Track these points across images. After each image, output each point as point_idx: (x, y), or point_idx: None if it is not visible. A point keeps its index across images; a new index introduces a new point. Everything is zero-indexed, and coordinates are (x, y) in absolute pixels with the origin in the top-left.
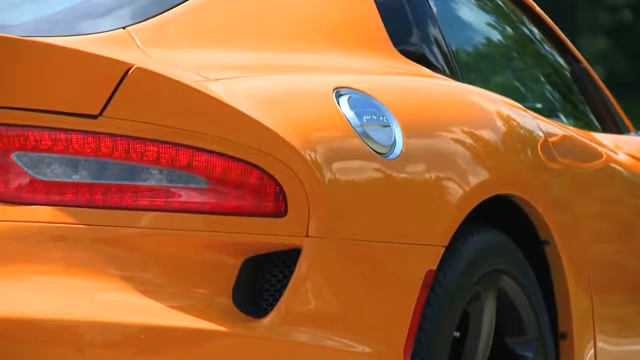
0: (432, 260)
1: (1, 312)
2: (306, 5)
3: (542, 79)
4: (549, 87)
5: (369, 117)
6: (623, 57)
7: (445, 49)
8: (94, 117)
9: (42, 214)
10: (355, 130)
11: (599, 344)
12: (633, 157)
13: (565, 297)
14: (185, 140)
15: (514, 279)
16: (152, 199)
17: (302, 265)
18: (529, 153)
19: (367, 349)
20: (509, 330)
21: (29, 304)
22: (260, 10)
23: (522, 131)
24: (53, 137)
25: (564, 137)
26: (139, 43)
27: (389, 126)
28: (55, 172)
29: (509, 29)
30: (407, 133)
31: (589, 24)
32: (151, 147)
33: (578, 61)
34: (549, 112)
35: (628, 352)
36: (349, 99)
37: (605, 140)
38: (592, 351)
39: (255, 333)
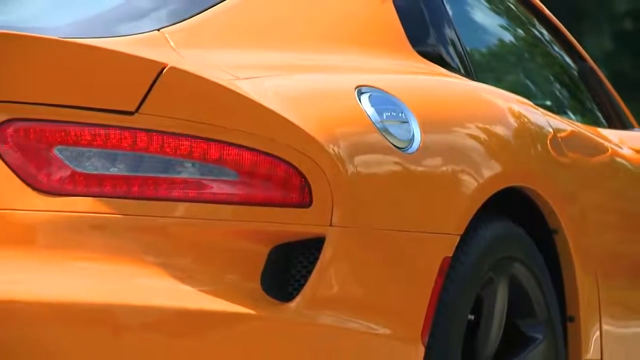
0: (448, 248)
1: (46, 296)
2: (330, 9)
3: (551, 77)
4: (557, 86)
5: (389, 114)
6: (627, 57)
7: (460, 49)
8: (131, 113)
9: (82, 205)
10: (375, 126)
11: (605, 327)
12: (637, 151)
13: (572, 283)
14: (216, 136)
15: (525, 266)
16: (185, 191)
17: (326, 253)
18: (539, 147)
19: (388, 331)
20: (520, 313)
21: (70, 288)
22: (287, 14)
23: (532, 127)
24: (92, 133)
25: (572, 132)
26: (172, 44)
27: (408, 122)
28: (94, 165)
29: (519, 30)
30: (425, 129)
31: (595, 27)
32: (184, 142)
33: (585, 61)
34: (557, 109)
35: (632, 334)
36: (369, 96)
37: (611, 136)
38: (597, 333)
39: (282, 316)
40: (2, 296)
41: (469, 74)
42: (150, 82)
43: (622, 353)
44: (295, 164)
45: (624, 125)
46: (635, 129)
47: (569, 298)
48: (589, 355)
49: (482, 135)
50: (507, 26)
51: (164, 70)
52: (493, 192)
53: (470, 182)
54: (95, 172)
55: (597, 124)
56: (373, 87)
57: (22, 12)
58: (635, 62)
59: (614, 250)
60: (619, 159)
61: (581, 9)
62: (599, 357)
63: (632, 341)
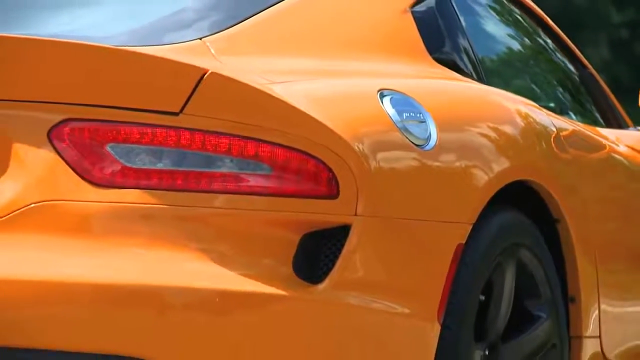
0: (461, 235)
1: (99, 279)
2: (354, 19)
3: (554, 82)
4: (560, 89)
5: (408, 115)
6: (623, 65)
7: (472, 56)
8: (175, 114)
9: (131, 196)
10: (396, 125)
11: (603, 306)
12: (632, 148)
13: (574, 267)
14: (252, 134)
15: (531, 252)
16: (225, 184)
17: (352, 240)
18: (544, 145)
19: (407, 310)
20: (526, 294)
21: (121, 272)
22: (316, 24)
23: (537, 126)
24: (141, 131)
25: (573, 131)
26: (213, 52)
27: (425, 122)
28: (142, 160)
29: (526, 39)
30: (440, 128)
31: (594, 37)
32: (223, 140)
33: (585, 67)
34: (560, 110)
35: (627, 313)
36: (391, 99)
37: (608, 134)
38: (596, 312)
39: (312, 297)
40: (60, 278)
41: (480, 79)
42: (193, 85)
43: (619, 330)
44: (324, 159)
45: (620, 125)
46: (631, 128)
47: (570, 280)
48: (589, 333)
49: (492, 134)
50: (515, 35)
51: (206, 75)
52: (502, 185)
53: (481, 176)
54: (143, 167)
55: (596, 123)
56: (394, 90)
57: (82, 22)
58: (630, 70)
59: (611, 237)
60: (615, 155)
61: (580, 21)
62: (598, 334)
63: (627, 319)
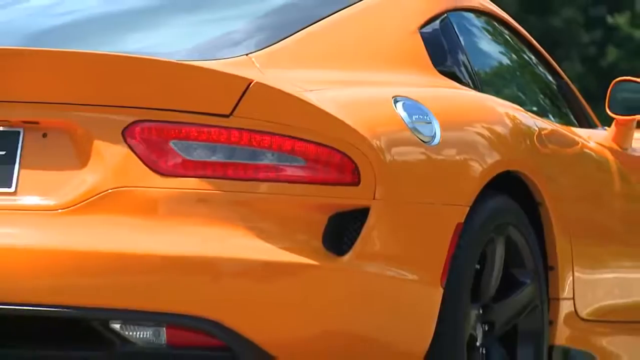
0: (460, 216)
1: (164, 251)
2: (373, 39)
3: (537, 90)
4: (541, 96)
5: (417, 117)
6: (592, 77)
7: (469, 69)
8: (226, 116)
9: (190, 184)
10: (407, 125)
11: (576, 274)
12: (599, 144)
13: (552, 242)
14: (289, 133)
15: (517, 229)
16: (267, 173)
17: (371, 220)
18: (528, 141)
19: (415, 277)
20: (513, 264)
21: (182, 246)
22: (342, 43)
23: (523, 126)
24: (198, 130)
25: (552, 130)
26: (257, 65)
27: (431, 123)
28: (199, 154)
29: (513, 55)
30: (444, 128)
31: (567, 54)
32: (266, 137)
33: (561, 78)
34: (541, 113)
35: (596, 279)
36: (403, 104)
37: (580, 133)
38: (571, 278)
39: (338, 266)
40: (133, 251)
41: (476, 87)
42: (241, 93)
43: (589, 293)
44: (348, 153)
45: (590, 125)
46: (599, 128)
47: (549, 253)
48: (564, 295)
49: (486, 133)
50: (504, 52)
51: (251, 85)
52: (494, 175)
53: (477, 167)
54: (200, 160)
55: (571, 124)
56: (405, 96)
57: (151, 41)
58: (598, 80)
59: (583, 217)
60: (586, 150)
61: (557, 41)
62: (572, 297)
63: (596, 284)
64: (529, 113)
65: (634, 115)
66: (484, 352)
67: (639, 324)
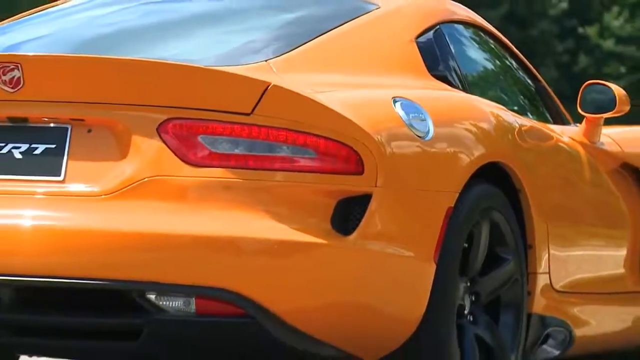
0: (451, 201)
1: (194, 231)
2: (375, 47)
3: (517, 91)
4: (521, 96)
5: (413, 115)
6: (565, 82)
7: (459, 73)
8: (247, 114)
9: (216, 173)
10: (404, 122)
11: (551, 252)
12: (572, 138)
13: (531, 223)
14: (302, 128)
15: (500, 212)
16: (282, 164)
17: (373, 205)
18: (510, 136)
19: (412, 254)
20: (496, 242)
21: (209, 226)
22: (349, 50)
23: (505, 123)
24: (222, 126)
25: (531, 126)
26: (274, 70)
27: (425, 120)
28: (223, 147)
29: (497, 60)
30: (436, 124)
31: (543, 61)
32: (282, 132)
33: (539, 81)
34: (521, 112)
35: (568, 256)
36: (401, 104)
37: (555, 129)
38: (546, 255)
39: (345, 245)
40: (166, 231)
41: (464, 89)
42: (260, 94)
43: (562, 268)
44: (353, 146)
45: (563, 122)
46: (571, 125)
47: (528, 233)
48: (541, 270)
49: (473, 128)
50: (489, 58)
51: (269, 87)
52: (480, 165)
53: (465, 159)
54: (225, 152)
55: (547, 121)
56: (403, 97)
57: (181, 49)
58: (570, 84)
59: (557, 202)
60: (560, 144)
61: (534, 49)
62: (547, 271)
63: (567, 260)
64: (511, 112)
65: (602, 113)
66: (471, 319)
67: (605, 295)
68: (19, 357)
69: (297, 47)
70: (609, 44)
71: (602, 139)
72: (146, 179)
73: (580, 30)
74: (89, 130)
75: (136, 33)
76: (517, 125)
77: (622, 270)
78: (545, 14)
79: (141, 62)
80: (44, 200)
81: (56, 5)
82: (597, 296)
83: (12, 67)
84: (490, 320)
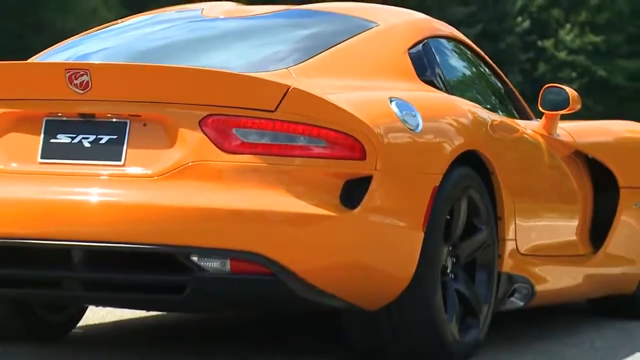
0: (436, 181)
1: (228, 205)
2: (376, 57)
3: (490, 92)
4: (493, 97)
5: (406, 112)
6: (528, 85)
7: (443, 78)
8: (272, 111)
9: (246, 159)
10: (399, 118)
11: (517, 222)
12: (534, 131)
13: (500, 199)
14: (315, 122)
15: (476, 190)
16: (300, 151)
17: (373, 184)
18: (484, 129)
19: (404, 224)
20: (473, 214)
21: (240, 202)
22: (354, 60)
23: (480, 118)
24: (252, 121)
25: (501, 121)
26: (294, 76)
27: (416, 116)
28: (252, 138)
29: (473, 67)
30: (425, 119)
31: (511, 68)
32: (299, 126)
33: (507, 84)
34: (493, 109)
35: (530, 226)
36: (396, 103)
37: (521, 123)
38: (513, 225)
39: (351, 216)
40: (205, 205)
41: (447, 91)
42: (282, 95)
43: (525, 235)
44: (358, 137)
45: (527, 118)
46: (534, 120)
47: (498, 207)
48: (509, 237)
49: (454, 123)
50: (467, 66)
51: (289, 89)
52: (460, 152)
53: (448, 147)
54: (253, 142)
55: (514, 117)
56: (398, 97)
57: (217, 58)
58: (532, 88)
59: (522, 182)
60: (524, 135)
61: (503, 59)
62: (514, 238)
63: (530, 229)
64: (484, 109)
65: (558, 111)
66: (452, 276)
67: (560, 257)
68: (86, 307)
69: (312, 57)
70: (562, 54)
71: (558, 131)
72: (190, 164)
73: (540, 43)
74: (144, 124)
75: (182, 45)
76: (490, 120)
77: (574, 237)
78: (511, 31)
79: (186, 69)
80: (108, 181)
81: (117, 22)
82: (554, 258)
83: (82, 73)
84: (468, 278)
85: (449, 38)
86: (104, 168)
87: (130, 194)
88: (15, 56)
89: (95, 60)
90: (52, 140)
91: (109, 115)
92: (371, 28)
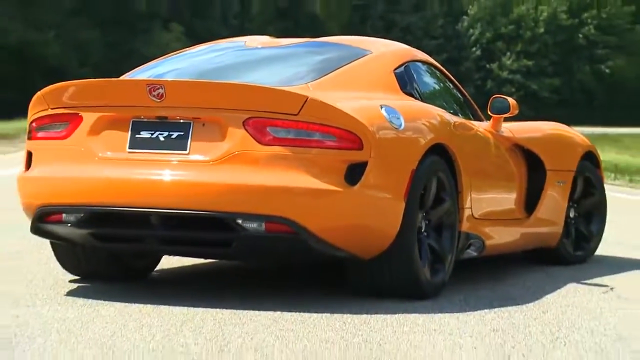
0: (414, 165)
1: (267, 183)
2: (370, 76)
3: (453, 102)
4: (455, 105)
5: (392, 115)
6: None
7: (419, 91)
8: (295, 115)
9: (277, 149)
10: (387, 119)
11: (472, 195)
12: (485, 129)
13: (460, 178)
14: (327, 123)
15: (444, 173)
16: (316, 144)
17: (369, 168)
18: (449, 128)
19: (391, 196)
20: (441, 190)
21: (273, 180)
22: (355, 77)
23: (446, 120)
24: (280, 122)
25: (462, 122)
26: (311, 89)
27: (399, 118)
28: (281, 134)
29: (441, 83)
30: (406, 120)
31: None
32: (315, 125)
33: (466, 96)
34: (455, 113)
35: (482, 197)
36: (385, 108)
37: (475, 123)
38: (470, 197)
39: (352, 191)
40: (248, 183)
41: (423, 100)
42: (303, 103)
43: (478, 205)
44: (357, 133)
45: (480, 119)
46: (485, 121)
47: (459, 184)
48: (466, 206)
49: (427, 123)
50: (436, 82)
51: (308, 99)
52: (431, 144)
53: (422, 141)
54: (282, 137)
55: (470, 119)
56: (386, 105)
57: (253, 77)
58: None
59: (476, 166)
60: (478, 132)
61: (461, 77)
62: (470, 206)
63: (481, 200)
64: (449, 113)
65: (502, 114)
66: (425, 234)
67: (503, 220)
68: (161, 257)
69: (324, 76)
70: (504, 74)
71: (502, 129)
72: (236, 153)
73: (488, 66)
74: (203, 124)
75: (230, 67)
76: (453, 121)
77: (513, 206)
78: (468, 57)
79: (233, 84)
80: (177, 165)
81: (183, 50)
82: (499, 221)
83: (158, 87)
84: (437, 236)
85: (424, 62)
86: (174, 155)
87: (193, 174)
88: (112, 74)
89: (168, 78)
90: (137, 136)
91: (178, 117)
92: (367, 55)
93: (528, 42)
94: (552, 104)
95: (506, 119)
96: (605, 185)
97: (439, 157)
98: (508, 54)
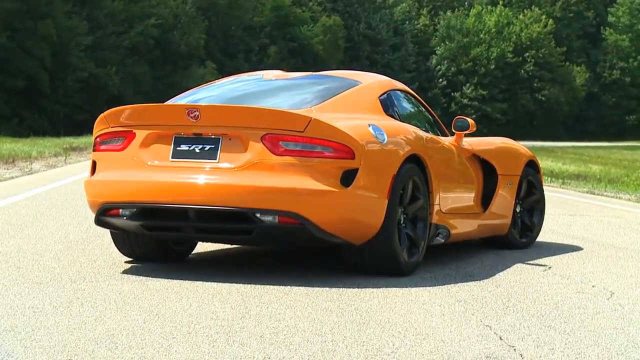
0: (394, 170)
1: (279, 184)
2: (359, 101)
3: (425, 121)
4: (427, 124)
5: (378, 132)
6: (445, 117)
7: (399, 113)
8: (301, 132)
9: (287, 159)
10: (374, 135)
11: (440, 195)
12: (450, 143)
13: (431, 181)
14: (327, 137)
15: (418, 177)
16: (318, 154)
17: (359, 173)
18: (422, 142)
19: (377, 196)
20: (415, 190)
21: (283, 183)
22: (347, 103)
23: (420, 135)
24: (290, 137)
25: (432, 137)
26: (314, 111)
27: (383, 134)
28: (290, 147)
29: (416, 107)
30: (388, 136)
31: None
32: (317, 140)
33: (435, 117)
34: (427, 130)
35: (448, 196)
36: (372, 127)
37: (442, 138)
38: (439, 196)
39: (347, 192)
40: (265, 185)
41: (402, 121)
42: (307, 122)
43: (445, 202)
44: (350, 146)
45: (446, 135)
46: (449, 137)
47: (430, 186)
48: (436, 203)
49: (405, 138)
50: (412, 106)
51: (311, 119)
52: (408, 155)
53: (401, 152)
54: (291, 149)
55: (438, 135)
56: (373, 124)
57: (270, 102)
58: (448, 119)
59: (443, 172)
60: (445, 145)
61: (430, 103)
62: (439, 203)
63: (447, 198)
64: (422, 130)
65: (463, 131)
66: (404, 225)
67: (464, 214)
68: (197, 243)
69: (324, 101)
70: (465, 100)
71: (463, 143)
72: (256, 161)
73: (452, 94)
74: (230, 139)
75: (251, 94)
76: (425, 136)
77: (472, 203)
78: (436, 86)
79: (254, 108)
80: (209, 171)
81: (215, 82)
82: (461, 214)
83: (195, 110)
84: (413, 226)
85: (402, 90)
86: (206, 164)
87: (222, 178)
88: (159, 100)
89: (202, 103)
90: (178, 148)
91: (210, 134)
92: (357, 85)
93: (483, 75)
94: (502, 124)
95: (467, 135)
96: (543, 187)
97: (414, 165)
98: (467, 84)
